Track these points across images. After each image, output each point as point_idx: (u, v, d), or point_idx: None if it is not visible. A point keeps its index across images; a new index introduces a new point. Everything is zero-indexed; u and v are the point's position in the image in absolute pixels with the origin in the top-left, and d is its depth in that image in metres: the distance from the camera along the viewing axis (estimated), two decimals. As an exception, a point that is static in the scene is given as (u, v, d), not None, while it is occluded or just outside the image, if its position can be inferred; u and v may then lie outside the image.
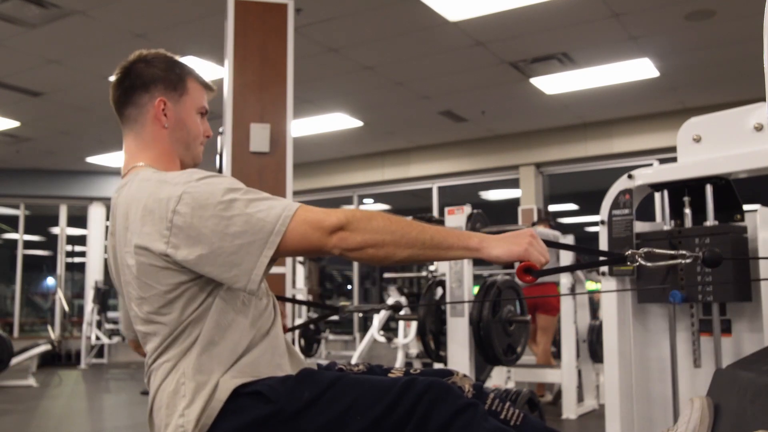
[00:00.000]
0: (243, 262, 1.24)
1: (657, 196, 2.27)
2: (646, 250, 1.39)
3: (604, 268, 2.24)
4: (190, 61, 5.84)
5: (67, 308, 10.25)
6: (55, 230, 10.57)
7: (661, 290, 2.12)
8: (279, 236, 1.24)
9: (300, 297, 6.90)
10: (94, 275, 10.14)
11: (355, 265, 9.67)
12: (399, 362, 5.06)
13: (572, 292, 4.89)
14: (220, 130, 3.93)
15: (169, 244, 1.26)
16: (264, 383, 1.29)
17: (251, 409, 1.26)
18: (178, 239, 1.26)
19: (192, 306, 1.31)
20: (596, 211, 2.22)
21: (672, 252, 1.39)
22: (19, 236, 10.37)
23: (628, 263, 1.39)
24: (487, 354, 3.69)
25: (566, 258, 4.75)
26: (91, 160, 9.51)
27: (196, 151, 1.53)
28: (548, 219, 6.00)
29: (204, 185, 1.28)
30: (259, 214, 1.24)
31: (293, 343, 6.29)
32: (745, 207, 2.10)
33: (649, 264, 1.37)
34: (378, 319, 5.46)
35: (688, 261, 1.39)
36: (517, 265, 1.34)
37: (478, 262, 4.11)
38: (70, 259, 10.69)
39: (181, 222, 1.25)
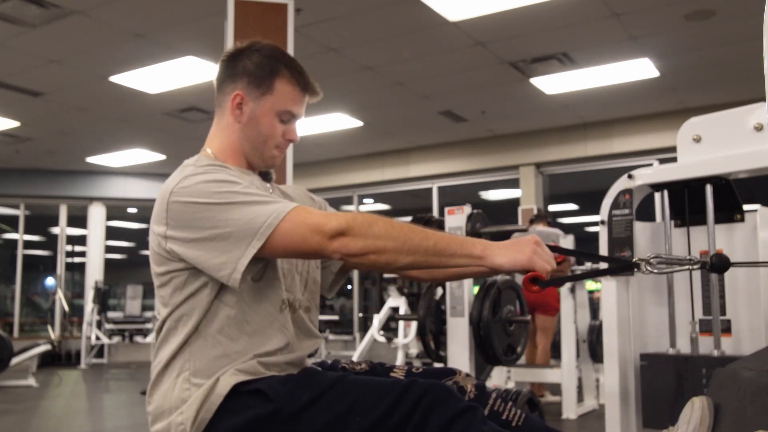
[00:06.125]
0: (233, 250, 1.25)
1: (657, 196, 2.26)
2: (654, 256, 1.37)
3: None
4: (189, 61, 5.88)
5: (67, 308, 10.24)
6: (55, 230, 10.57)
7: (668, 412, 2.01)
8: (270, 229, 1.24)
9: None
10: (94, 275, 10.14)
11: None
12: (399, 362, 5.05)
13: (572, 291, 4.89)
14: None
15: (168, 226, 1.30)
16: (265, 382, 1.30)
17: (251, 407, 1.27)
18: (175, 222, 1.29)
19: (178, 296, 1.33)
20: (596, 211, 2.22)
21: (681, 258, 1.38)
22: (19, 236, 10.36)
23: (636, 270, 1.37)
24: (487, 354, 3.68)
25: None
26: (91, 160, 9.51)
27: (267, 154, 1.47)
28: (546, 217, 5.98)
29: (206, 175, 1.31)
30: (254, 207, 1.26)
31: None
32: (745, 207, 2.10)
33: (656, 272, 1.36)
34: (378, 319, 5.46)
35: (696, 267, 1.38)
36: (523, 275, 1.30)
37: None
38: (70, 259, 10.69)
39: (176, 207, 1.29)
